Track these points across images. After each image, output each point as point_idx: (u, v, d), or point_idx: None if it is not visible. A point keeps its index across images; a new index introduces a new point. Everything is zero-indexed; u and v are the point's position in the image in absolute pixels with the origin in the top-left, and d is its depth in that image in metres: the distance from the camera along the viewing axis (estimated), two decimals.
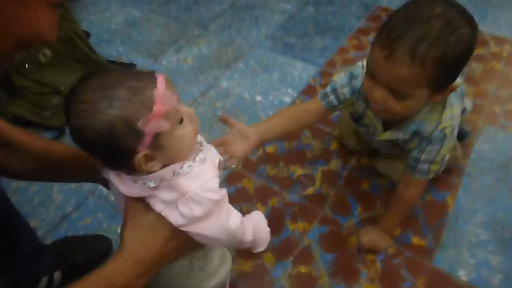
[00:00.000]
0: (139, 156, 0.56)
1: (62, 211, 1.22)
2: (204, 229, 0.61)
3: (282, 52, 1.75)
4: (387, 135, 1.01)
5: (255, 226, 0.74)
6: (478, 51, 1.69)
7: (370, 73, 0.85)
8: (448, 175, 1.27)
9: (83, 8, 2.03)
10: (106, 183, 0.73)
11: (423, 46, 0.74)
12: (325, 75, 1.63)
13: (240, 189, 1.27)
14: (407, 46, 0.75)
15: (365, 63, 0.97)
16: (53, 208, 1.23)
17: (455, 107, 0.94)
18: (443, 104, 0.92)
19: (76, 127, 0.54)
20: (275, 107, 1.52)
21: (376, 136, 1.05)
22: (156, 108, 0.54)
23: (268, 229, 0.80)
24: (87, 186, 1.28)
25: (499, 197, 1.21)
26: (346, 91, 1.04)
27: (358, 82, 1.00)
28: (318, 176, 1.30)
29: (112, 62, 1.68)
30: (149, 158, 0.57)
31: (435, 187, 1.24)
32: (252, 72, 1.67)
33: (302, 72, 1.66)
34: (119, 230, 1.15)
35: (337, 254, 1.11)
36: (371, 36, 1.80)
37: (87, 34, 1.70)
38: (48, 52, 1.44)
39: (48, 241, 1.12)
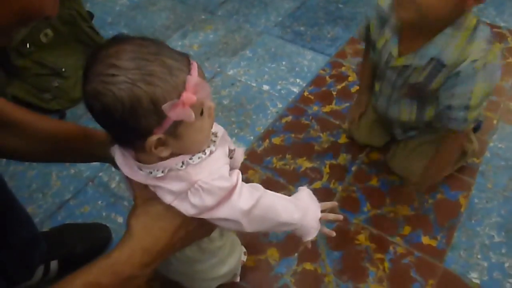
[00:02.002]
0: (153, 138, 0.52)
1: (60, 197, 1.18)
2: (216, 214, 0.58)
3: (291, 41, 1.69)
4: (402, 61, 0.93)
5: (301, 208, 0.66)
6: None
7: None
8: (461, 173, 1.22)
9: None
10: (116, 163, 0.69)
11: None
12: (335, 65, 1.58)
13: (244, 181, 1.22)
14: None
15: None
16: (51, 195, 1.19)
17: (487, 44, 0.84)
18: (470, 33, 0.83)
19: (97, 91, 0.49)
20: (282, 96, 1.47)
21: (390, 63, 0.97)
22: (186, 95, 0.50)
23: (317, 213, 0.68)
24: (86, 172, 1.24)
25: None
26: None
27: (372, 15, 1.02)
28: (325, 170, 1.25)
29: None
30: (161, 143, 0.53)
31: (447, 185, 1.20)
32: (260, 60, 1.61)
33: (311, 61, 1.60)
34: (119, 220, 1.13)
35: (344, 252, 1.07)
36: None
37: (91, 15, 1.64)
38: (49, 32, 1.39)
39: (45, 228, 1.08)
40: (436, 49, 0.86)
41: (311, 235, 0.68)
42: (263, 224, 0.62)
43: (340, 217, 0.74)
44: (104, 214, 1.15)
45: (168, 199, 0.57)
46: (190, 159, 0.56)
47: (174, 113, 0.50)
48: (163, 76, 0.49)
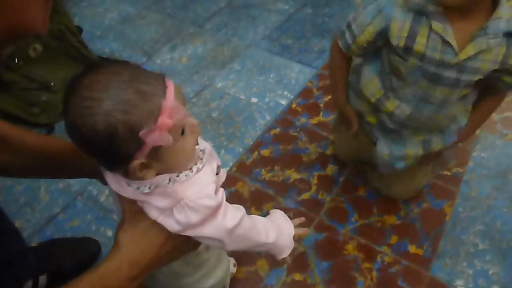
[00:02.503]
0: (135, 163, 0.52)
1: (49, 212, 1.18)
2: (201, 231, 0.59)
3: (278, 53, 1.72)
4: (471, 49, 0.79)
5: (276, 228, 0.68)
6: None
7: None
8: (445, 182, 1.25)
9: (75, 2, 1.98)
10: (103, 179, 0.70)
11: None
12: (322, 77, 1.61)
13: (234, 192, 1.23)
14: None
15: None
16: (40, 209, 1.18)
17: None
18: None
19: (75, 123, 0.50)
20: (271, 109, 1.49)
21: (450, 60, 0.82)
22: (162, 120, 0.50)
23: (291, 232, 0.71)
24: (75, 186, 1.24)
25: (497, 206, 1.19)
26: (372, 26, 0.87)
27: (392, 9, 0.83)
28: (314, 181, 1.27)
29: (104, 59, 1.64)
30: (144, 166, 0.54)
31: (432, 194, 1.22)
32: (248, 73, 1.64)
33: (299, 74, 1.63)
34: (108, 233, 1.13)
35: (333, 262, 1.09)
36: None
37: (80, 30, 1.65)
38: (38, 46, 1.39)
39: (33, 243, 1.08)
40: (504, 23, 0.78)
41: (285, 253, 0.70)
42: (243, 243, 0.64)
43: (308, 230, 0.82)
44: (93, 228, 1.14)
45: (153, 214, 0.58)
46: (177, 176, 0.57)
47: (151, 139, 0.50)
48: (137, 103, 0.49)
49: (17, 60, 1.36)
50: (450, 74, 0.83)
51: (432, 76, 0.85)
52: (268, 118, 1.46)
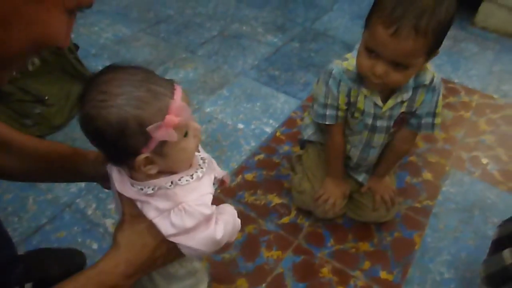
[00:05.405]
0: (141, 157, 0.58)
1: (36, 222, 1.20)
2: (191, 240, 0.63)
3: (266, 83, 1.81)
4: (391, 103, 1.04)
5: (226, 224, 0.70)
6: (450, 99, 1.81)
7: (371, 51, 0.91)
8: (416, 214, 1.33)
9: None
10: (105, 183, 0.73)
11: (424, 19, 0.83)
12: (306, 109, 1.69)
13: None
14: (411, 22, 0.83)
15: (336, 67, 1.04)
16: (27, 218, 1.21)
17: None
18: None
19: (90, 115, 0.55)
20: (256, 135, 1.56)
21: (377, 114, 1.06)
22: (169, 118, 0.56)
23: (238, 222, 0.74)
24: (63, 198, 1.27)
25: (463, 238, 1.28)
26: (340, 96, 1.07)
27: (346, 80, 1.03)
28: (293, 206, 1.33)
29: None
30: (149, 161, 0.59)
31: (404, 225, 1.30)
32: (236, 100, 1.72)
33: (284, 104, 1.72)
34: (93, 246, 1.16)
35: (309, 284, 1.14)
36: None
37: (76, 47, 1.71)
38: (36, 60, 1.44)
39: (19, 252, 1.10)
40: (413, 80, 1.02)
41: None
42: (216, 247, 0.68)
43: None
44: (79, 240, 1.17)
45: (152, 214, 0.63)
46: (179, 180, 0.62)
47: (158, 134, 0.56)
48: (149, 101, 0.56)
49: (15, 72, 1.40)
50: (382, 123, 1.08)
51: (370, 127, 1.09)
52: (253, 144, 1.53)
